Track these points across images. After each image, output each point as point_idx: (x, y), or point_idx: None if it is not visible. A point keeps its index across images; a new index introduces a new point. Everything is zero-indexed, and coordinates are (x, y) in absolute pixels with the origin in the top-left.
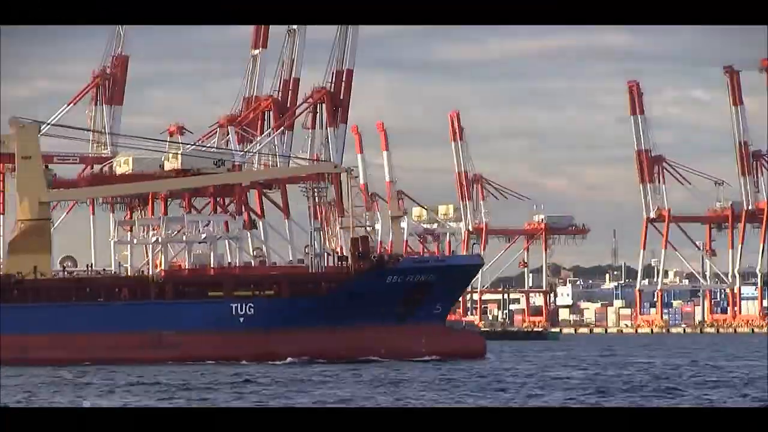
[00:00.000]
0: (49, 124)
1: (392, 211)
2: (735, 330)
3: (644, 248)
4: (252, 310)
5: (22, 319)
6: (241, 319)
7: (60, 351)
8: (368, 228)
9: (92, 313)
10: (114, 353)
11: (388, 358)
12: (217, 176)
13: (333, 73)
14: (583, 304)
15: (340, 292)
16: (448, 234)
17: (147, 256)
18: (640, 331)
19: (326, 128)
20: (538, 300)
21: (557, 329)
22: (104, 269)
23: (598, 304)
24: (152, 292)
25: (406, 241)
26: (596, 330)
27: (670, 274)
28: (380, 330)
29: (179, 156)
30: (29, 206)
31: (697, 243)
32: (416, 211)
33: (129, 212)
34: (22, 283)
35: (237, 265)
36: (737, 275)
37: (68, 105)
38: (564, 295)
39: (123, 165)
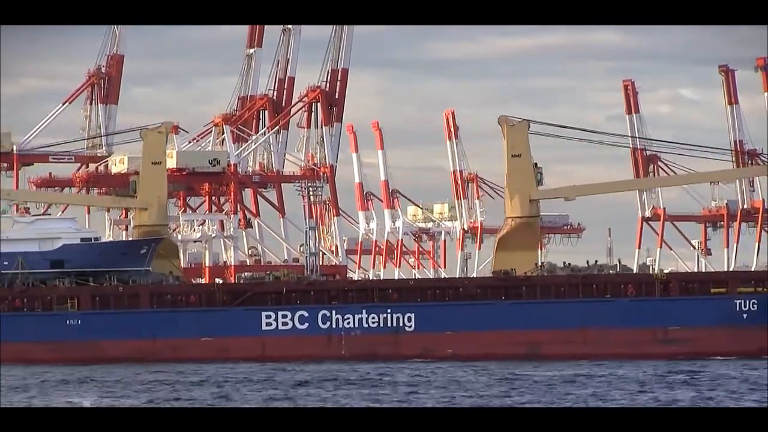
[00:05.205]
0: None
1: None
2: None
3: (639, 247)
4: (755, 306)
5: (532, 315)
6: (745, 315)
7: (569, 346)
8: None
9: (598, 310)
10: (621, 348)
11: None
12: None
13: (328, 72)
14: None
15: None
16: (443, 233)
17: None
18: None
19: (321, 127)
20: None
21: None
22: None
23: None
24: (657, 289)
25: (401, 240)
26: None
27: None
28: None
29: (174, 154)
30: (520, 204)
31: (692, 242)
32: (411, 210)
33: (124, 212)
34: (530, 280)
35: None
36: None
37: (63, 104)
38: None
39: (118, 164)
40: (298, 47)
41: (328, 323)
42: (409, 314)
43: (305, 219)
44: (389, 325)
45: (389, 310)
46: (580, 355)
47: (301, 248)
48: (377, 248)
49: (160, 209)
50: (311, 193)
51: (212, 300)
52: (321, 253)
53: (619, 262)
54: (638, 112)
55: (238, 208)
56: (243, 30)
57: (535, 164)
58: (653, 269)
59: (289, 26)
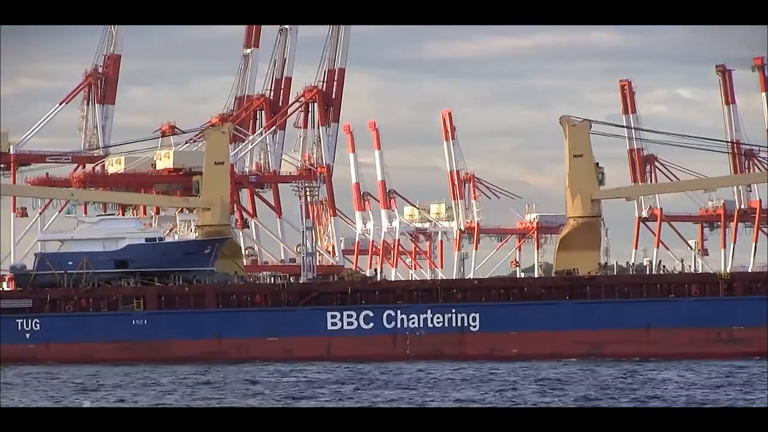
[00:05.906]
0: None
1: None
2: None
3: (636, 247)
4: None
5: (597, 315)
6: None
7: (633, 345)
8: None
9: (662, 309)
10: (685, 348)
11: None
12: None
13: (325, 72)
14: None
15: None
16: (440, 233)
17: None
18: None
19: (318, 127)
20: None
21: None
22: None
23: None
24: (721, 289)
25: (398, 240)
26: None
27: None
28: None
29: (171, 154)
30: (581, 203)
31: (689, 242)
32: (408, 210)
33: (121, 211)
34: (595, 280)
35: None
36: None
37: (60, 104)
38: None
39: (115, 164)
40: (295, 47)
41: (393, 323)
42: (474, 314)
43: (302, 219)
44: (454, 325)
45: (454, 310)
46: (644, 354)
47: (298, 248)
48: (374, 248)
49: (223, 209)
50: (308, 193)
51: (278, 300)
52: (318, 253)
53: (616, 263)
54: (635, 112)
55: (235, 208)
56: (240, 30)
57: (597, 164)
58: (650, 270)
59: (286, 26)
